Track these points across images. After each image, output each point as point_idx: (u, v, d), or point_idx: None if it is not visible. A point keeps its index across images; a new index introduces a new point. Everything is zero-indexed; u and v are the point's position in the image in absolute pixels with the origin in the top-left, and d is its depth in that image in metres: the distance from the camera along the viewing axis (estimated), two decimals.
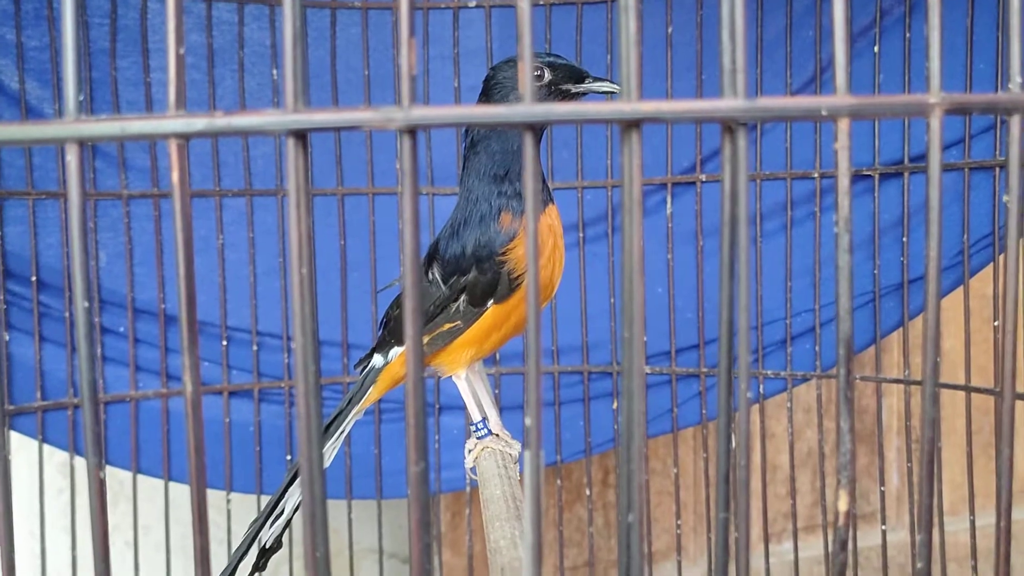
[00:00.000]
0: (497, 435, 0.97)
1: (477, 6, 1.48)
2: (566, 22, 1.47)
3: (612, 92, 0.94)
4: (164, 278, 1.42)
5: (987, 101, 0.38)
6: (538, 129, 0.36)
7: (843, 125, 0.36)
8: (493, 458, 0.91)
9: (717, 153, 1.47)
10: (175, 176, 0.36)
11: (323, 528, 0.38)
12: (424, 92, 1.47)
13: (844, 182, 0.37)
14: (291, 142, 0.36)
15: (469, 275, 0.94)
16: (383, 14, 1.46)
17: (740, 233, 0.37)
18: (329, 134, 1.47)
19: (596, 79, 0.94)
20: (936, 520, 1.42)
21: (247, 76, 1.43)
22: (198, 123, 0.36)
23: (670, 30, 1.44)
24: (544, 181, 0.98)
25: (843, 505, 0.38)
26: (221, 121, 0.36)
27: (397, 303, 1.02)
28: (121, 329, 1.42)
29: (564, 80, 0.93)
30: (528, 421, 0.36)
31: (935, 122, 0.37)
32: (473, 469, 0.96)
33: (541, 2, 1.47)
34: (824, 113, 0.36)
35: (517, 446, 0.96)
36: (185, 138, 0.36)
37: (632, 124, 0.36)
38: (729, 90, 0.36)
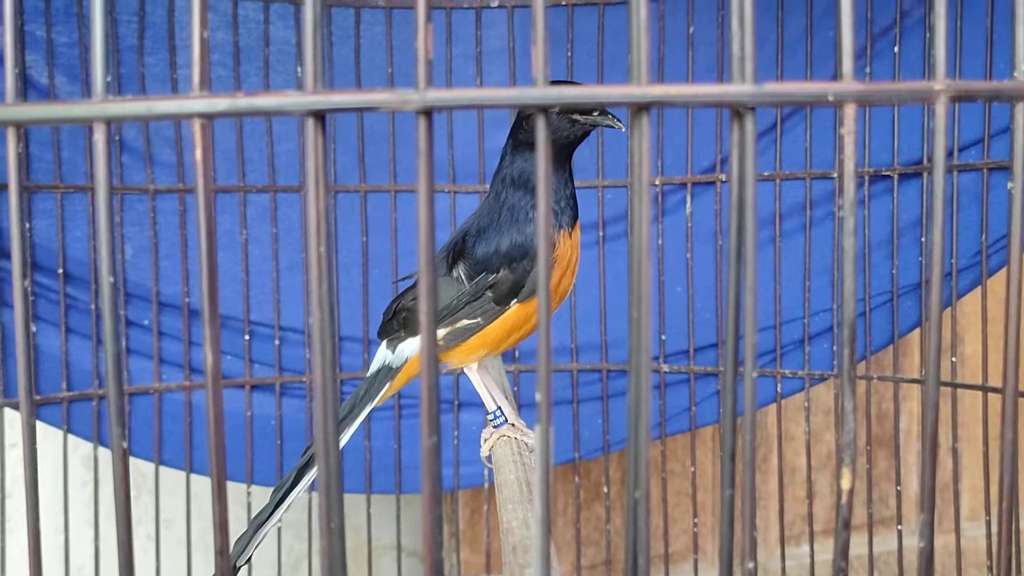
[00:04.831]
0: (513, 424, 0.98)
1: (499, 6, 1.49)
2: (588, 22, 1.49)
3: (613, 127, 0.97)
4: (188, 272, 1.44)
5: (992, 89, 0.39)
6: (550, 113, 0.37)
7: (849, 111, 0.37)
8: (509, 446, 0.93)
9: None
10: (198, 155, 0.37)
11: (338, 500, 0.39)
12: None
13: (849, 166, 0.38)
14: (310, 123, 0.37)
15: (499, 274, 0.97)
16: (407, 13, 1.48)
17: (748, 218, 0.38)
18: (353, 132, 1.48)
19: (603, 114, 0.96)
20: (954, 525, 1.42)
21: (272, 74, 1.45)
22: (221, 103, 0.37)
23: (691, 29, 1.44)
24: (575, 198, 1.00)
25: (846, 484, 0.39)
26: (243, 102, 0.37)
27: (415, 294, 1.03)
28: (146, 322, 1.44)
29: (573, 109, 0.95)
30: (539, 397, 0.37)
31: (940, 109, 0.38)
32: (489, 458, 0.97)
33: (563, 2, 1.48)
34: (830, 98, 0.37)
35: (532, 435, 0.97)
36: (208, 118, 0.37)
37: (642, 108, 0.37)
38: (738, 76, 0.37)
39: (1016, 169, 0.40)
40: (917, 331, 1.56)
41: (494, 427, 0.98)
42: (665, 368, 1.52)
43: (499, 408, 0.99)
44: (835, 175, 1.44)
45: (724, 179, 1.48)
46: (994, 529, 1.41)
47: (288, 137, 1.48)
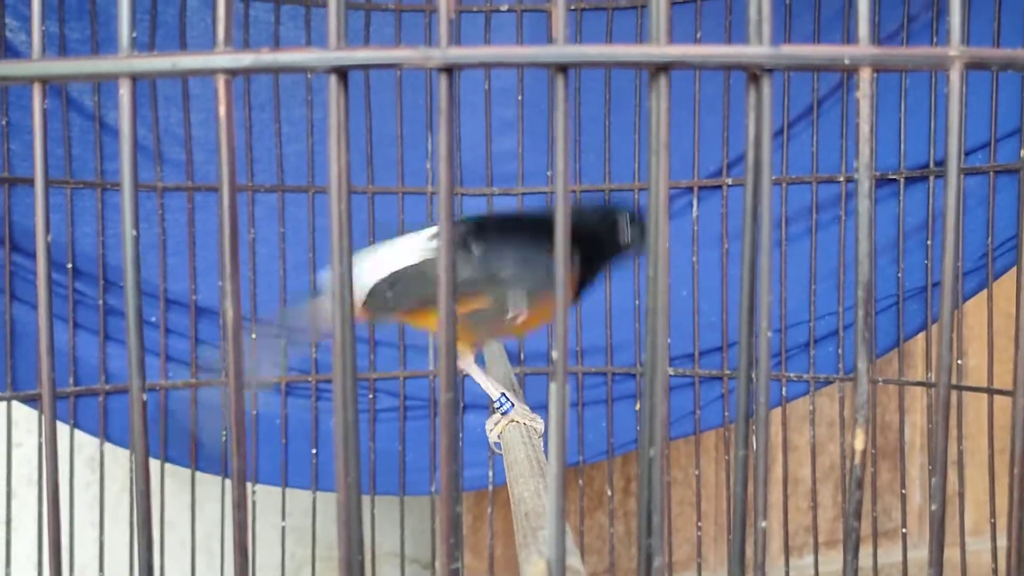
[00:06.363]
0: (521, 412, 0.98)
1: (509, 10, 1.50)
2: (597, 26, 1.50)
3: None
4: (196, 269, 1.44)
5: (1006, 57, 0.39)
6: (568, 73, 0.38)
7: (864, 74, 0.38)
8: (518, 430, 0.93)
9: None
10: (222, 111, 0.38)
11: (355, 454, 0.39)
12: (456, 92, 1.49)
13: (864, 129, 0.38)
14: (332, 79, 0.37)
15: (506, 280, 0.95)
16: (416, 16, 1.49)
17: (763, 179, 0.38)
18: (361, 133, 1.49)
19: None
20: (958, 539, 1.42)
21: (282, 75, 1.46)
22: (245, 59, 0.37)
23: (699, 35, 1.45)
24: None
25: (859, 444, 0.39)
26: (267, 57, 0.37)
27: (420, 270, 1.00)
28: (153, 319, 1.44)
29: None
30: (555, 354, 0.38)
31: (955, 75, 0.38)
32: (498, 444, 0.97)
33: (572, 7, 1.49)
34: (847, 62, 0.37)
35: (541, 421, 0.97)
36: (232, 73, 0.37)
37: (660, 68, 0.37)
38: (755, 38, 0.37)
39: None
40: (921, 341, 1.56)
41: (502, 414, 0.99)
42: (670, 371, 1.52)
43: (503, 395, 0.99)
44: (841, 179, 1.45)
45: (730, 183, 1.48)
46: (1000, 543, 1.40)
47: (297, 138, 1.49)
